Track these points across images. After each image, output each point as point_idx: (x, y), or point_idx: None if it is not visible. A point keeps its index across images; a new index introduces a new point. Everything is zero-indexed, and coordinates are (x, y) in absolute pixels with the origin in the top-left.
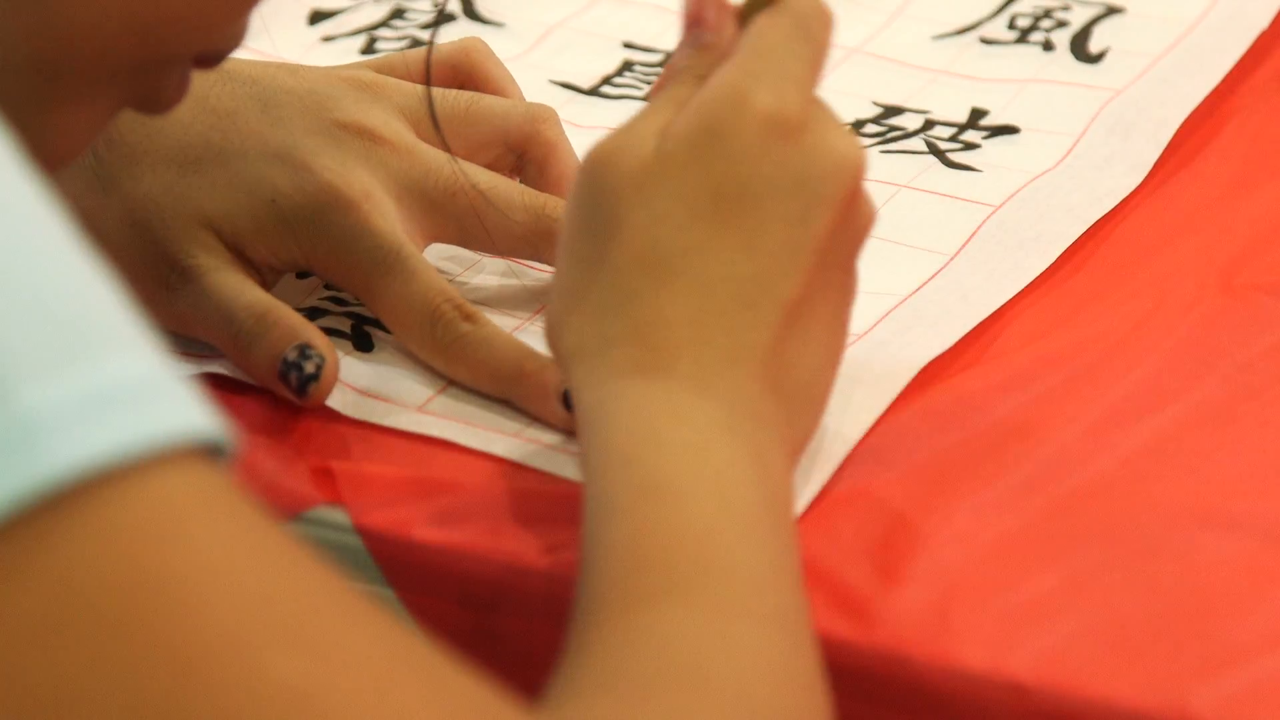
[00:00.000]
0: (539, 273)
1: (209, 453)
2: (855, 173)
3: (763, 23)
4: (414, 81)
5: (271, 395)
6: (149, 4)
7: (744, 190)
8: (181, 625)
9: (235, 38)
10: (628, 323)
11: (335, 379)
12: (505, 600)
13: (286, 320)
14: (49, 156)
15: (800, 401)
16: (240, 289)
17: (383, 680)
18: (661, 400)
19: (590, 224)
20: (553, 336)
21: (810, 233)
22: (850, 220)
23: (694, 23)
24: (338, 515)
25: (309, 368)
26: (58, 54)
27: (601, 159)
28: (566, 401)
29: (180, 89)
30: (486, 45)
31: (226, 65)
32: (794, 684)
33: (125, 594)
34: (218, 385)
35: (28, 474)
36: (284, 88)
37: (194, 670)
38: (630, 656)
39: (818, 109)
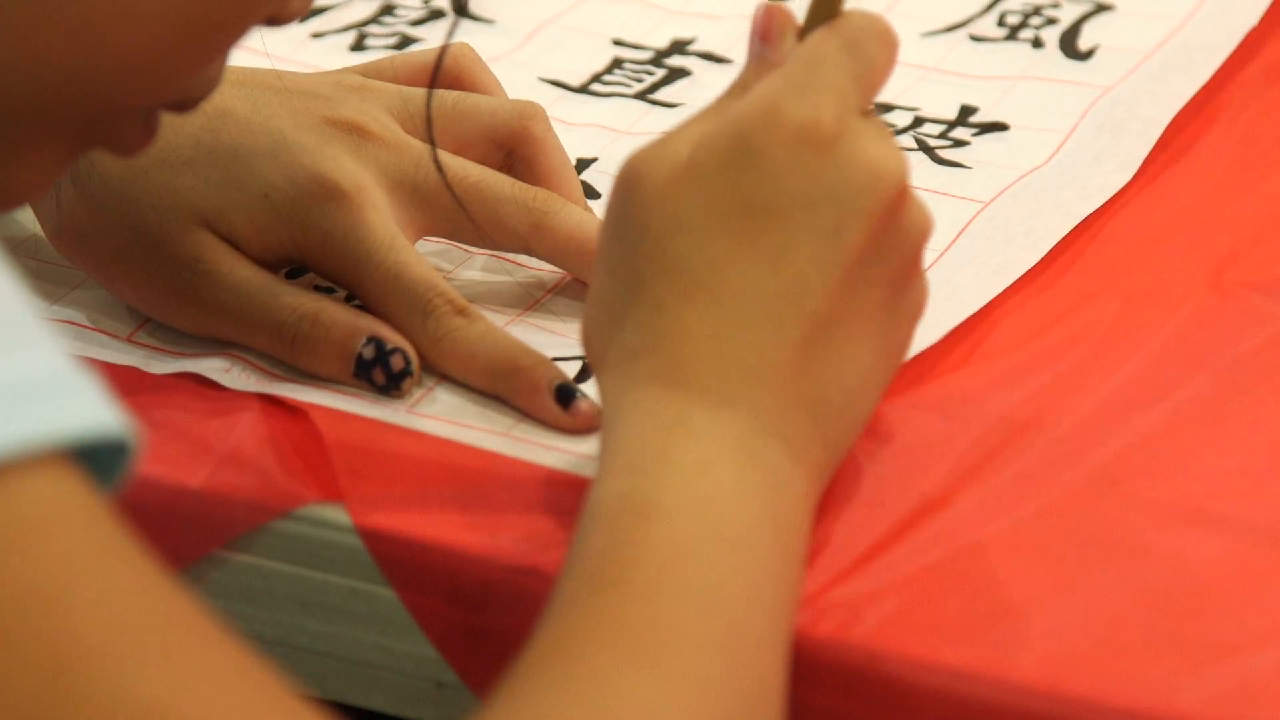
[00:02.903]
0: (529, 269)
1: (95, 455)
2: (893, 185)
3: (814, 37)
4: (402, 84)
5: (264, 395)
6: (86, 59)
7: (773, 203)
8: (49, 632)
9: (205, 85)
10: (651, 334)
11: (420, 363)
12: (496, 598)
13: (341, 317)
14: (2, 200)
15: (834, 420)
16: (269, 286)
17: (240, 700)
18: (676, 414)
19: (621, 232)
20: (585, 343)
21: (842, 247)
22: (893, 232)
23: (760, 37)
24: (330, 513)
25: (396, 363)
26: (1, 108)
27: (635, 167)
28: (559, 398)
29: (146, 134)
30: (474, 50)
31: None
32: (723, 712)
33: None
34: (209, 384)
35: None
36: (273, 88)
37: (59, 679)
38: (547, 690)
39: (859, 123)
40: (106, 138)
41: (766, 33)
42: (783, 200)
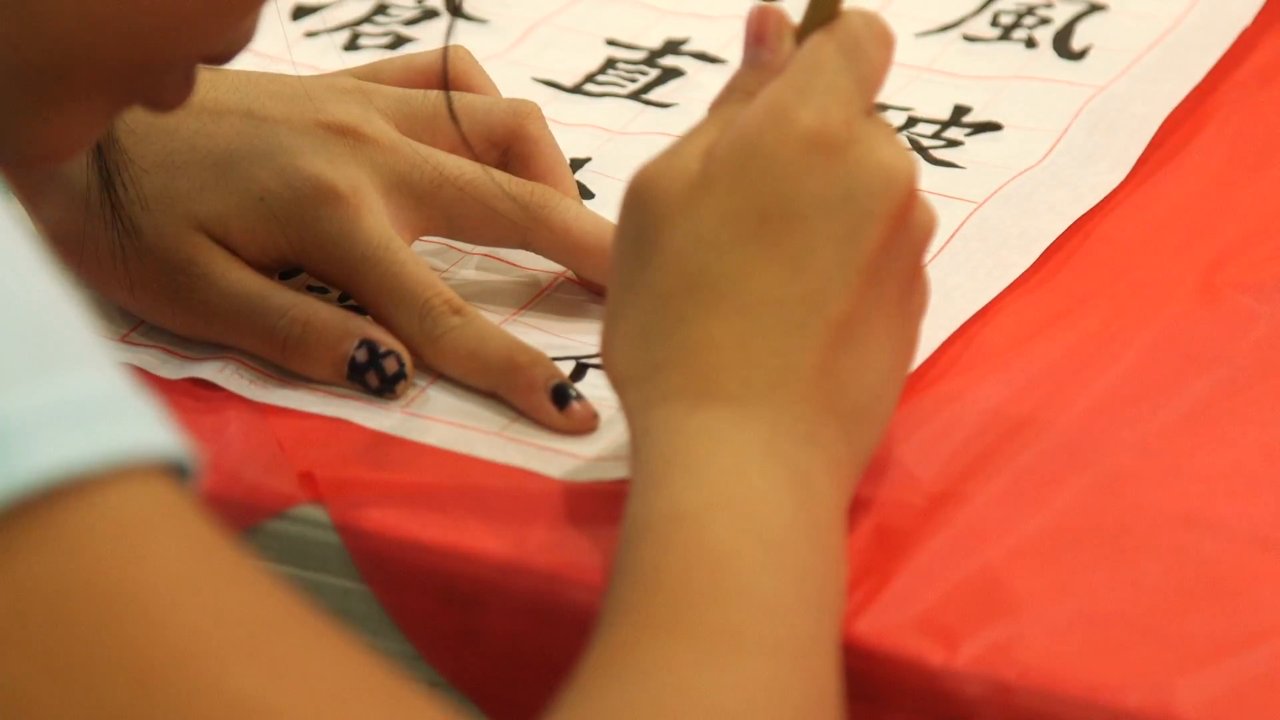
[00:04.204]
0: (524, 269)
1: (171, 471)
2: (904, 185)
3: (815, 40)
4: (397, 86)
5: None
6: (136, 12)
7: (789, 210)
8: (141, 635)
9: (241, 38)
10: (675, 347)
11: (413, 366)
12: (487, 597)
13: (333, 320)
14: (47, 154)
15: (859, 420)
16: (261, 289)
17: (340, 695)
18: (702, 423)
19: (637, 248)
20: (605, 361)
21: (860, 249)
22: (904, 232)
23: (754, 40)
24: (323, 513)
25: (390, 366)
26: (44, 61)
27: (646, 182)
28: (554, 398)
29: (184, 89)
30: (470, 53)
31: (210, 72)
32: (792, 713)
33: (86, 603)
34: (202, 385)
35: None
36: (268, 92)
37: (152, 680)
38: (624, 685)
39: (867, 124)
40: (147, 93)
41: (761, 35)
42: (799, 206)
